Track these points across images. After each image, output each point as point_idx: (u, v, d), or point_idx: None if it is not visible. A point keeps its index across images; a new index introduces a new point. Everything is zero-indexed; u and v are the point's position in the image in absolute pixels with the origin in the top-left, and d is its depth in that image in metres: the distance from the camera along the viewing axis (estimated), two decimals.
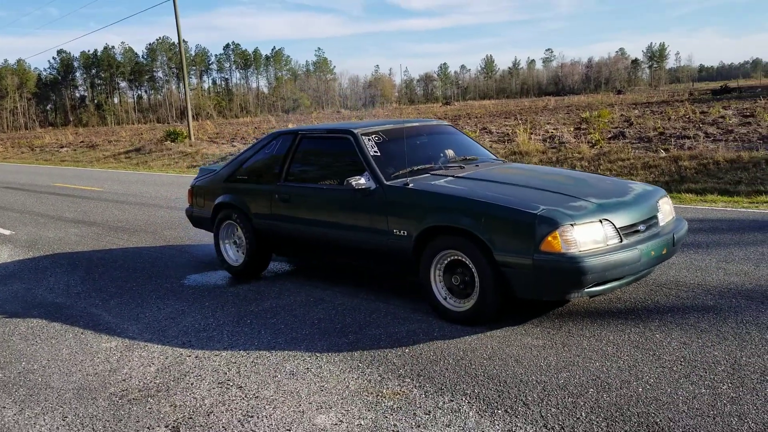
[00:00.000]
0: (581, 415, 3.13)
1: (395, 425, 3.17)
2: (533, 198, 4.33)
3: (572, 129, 19.37)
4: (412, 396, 3.46)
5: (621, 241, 4.12)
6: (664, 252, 4.37)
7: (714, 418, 3.02)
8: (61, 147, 35.30)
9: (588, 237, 4.00)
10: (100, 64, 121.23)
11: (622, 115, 23.93)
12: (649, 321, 4.29)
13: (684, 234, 4.78)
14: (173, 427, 3.31)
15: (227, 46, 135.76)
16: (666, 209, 4.74)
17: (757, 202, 8.55)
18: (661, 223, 4.56)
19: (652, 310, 4.51)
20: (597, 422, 3.05)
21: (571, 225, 3.96)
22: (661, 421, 3.02)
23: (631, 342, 3.96)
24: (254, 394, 3.61)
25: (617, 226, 4.14)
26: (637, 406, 3.17)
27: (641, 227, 4.33)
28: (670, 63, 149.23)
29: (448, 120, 30.82)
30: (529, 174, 5.43)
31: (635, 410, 3.13)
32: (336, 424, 3.22)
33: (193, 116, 28.45)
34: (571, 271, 3.88)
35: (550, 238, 3.93)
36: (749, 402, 3.14)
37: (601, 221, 4.09)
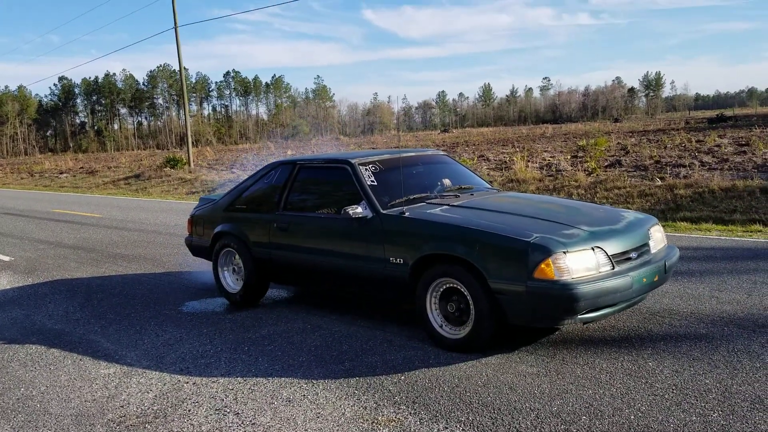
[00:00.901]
0: None
1: None
2: (527, 226, 4.41)
3: (569, 157, 19.54)
4: (407, 423, 3.50)
5: (613, 269, 4.19)
6: (655, 279, 4.44)
7: None
8: (61, 173, 35.46)
9: (580, 264, 4.07)
10: (101, 90, 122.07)
11: (618, 143, 24.15)
12: (642, 349, 4.34)
13: (675, 261, 4.85)
14: None
15: (227, 73, 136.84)
16: (658, 237, 4.82)
17: (751, 231, 8.63)
18: (653, 251, 4.64)
19: (645, 338, 4.56)
20: None
21: (564, 252, 4.03)
22: None
23: (624, 370, 4.01)
24: (251, 421, 3.64)
25: (609, 254, 4.22)
26: None
27: (633, 255, 4.40)
28: (667, 91, 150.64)
29: (447, 147, 31.05)
30: (523, 202, 5.53)
31: None
32: None
33: (192, 143, 28.69)
34: (564, 298, 3.94)
35: (543, 266, 4.00)
36: (739, 430, 3.18)
37: (593, 249, 4.17)
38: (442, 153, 6.45)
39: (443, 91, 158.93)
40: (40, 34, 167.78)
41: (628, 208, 8.69)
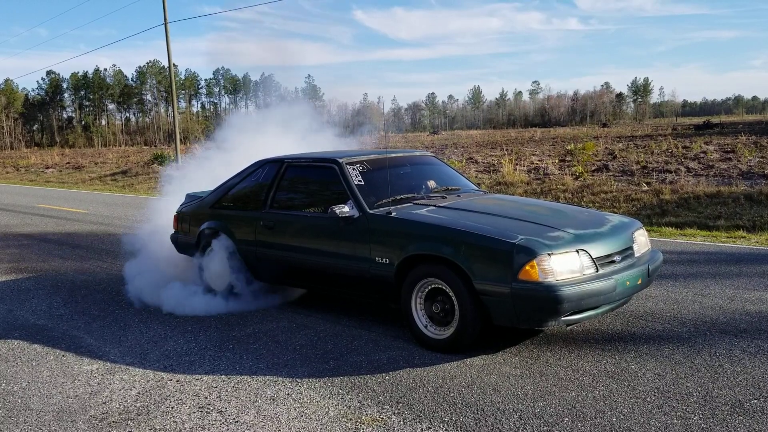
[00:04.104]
0: None
1: None
2: (512, 228, 4.43)
3: (557, 161, 19.64)
4: (390, 423, 3.50)
5: (597, 271, 4.23)
6: (639, 282, 4.48)
7: None
8: (47, 168, 35.18)
9: (565, 266, 4.10)
10: (89, 85, 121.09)
11: (606, 148, 24.30)
12: (625, 352, 4.37)
13: (659, 265, 4.89)
14: None
15: (217, 70, 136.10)
16: (641, 241, 4.86)
17: (735, 237, 8.71)
18: (637, 254, 4.68)
19: (628, 341, 4.59)
20: None
21: (549, 255, 4.06)
22: None
23: (606, 372, 4.04)
24: (234, 419, 3.63)
25: (593, 257, 4.25)
26: None
27: (617, 258, 4.44)
28: (655, 97, 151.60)
29: (435, 149, 31.08)
30: (509, 204, 5.56)
31: None
32: None
33: (180, 140, 28.55)
34: (548, 300, 3.97)
35: (527, 267, 4.02)
36: None
37: (577, 251, 4.20)
38: (429, 154, 6.47)
39: (433, 93, 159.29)
40: (28, 28, 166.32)
41: (614, 213, 8.75)
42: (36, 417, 3.79)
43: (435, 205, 5.09)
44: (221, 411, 3.74)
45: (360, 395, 3.87)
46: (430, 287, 4.55)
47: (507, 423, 3.43)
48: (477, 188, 6.10)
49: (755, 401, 3.55)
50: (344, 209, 4.94)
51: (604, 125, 78.80)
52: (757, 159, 16.46)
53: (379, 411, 3.65)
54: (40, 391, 4.17)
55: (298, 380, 4.15)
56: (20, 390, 4.21)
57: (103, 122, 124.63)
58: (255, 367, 4.42)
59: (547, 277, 4.03)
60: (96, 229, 11.62)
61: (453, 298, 4.38)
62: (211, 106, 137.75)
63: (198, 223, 6.32)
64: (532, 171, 16.94)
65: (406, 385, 3.98)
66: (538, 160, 20.24)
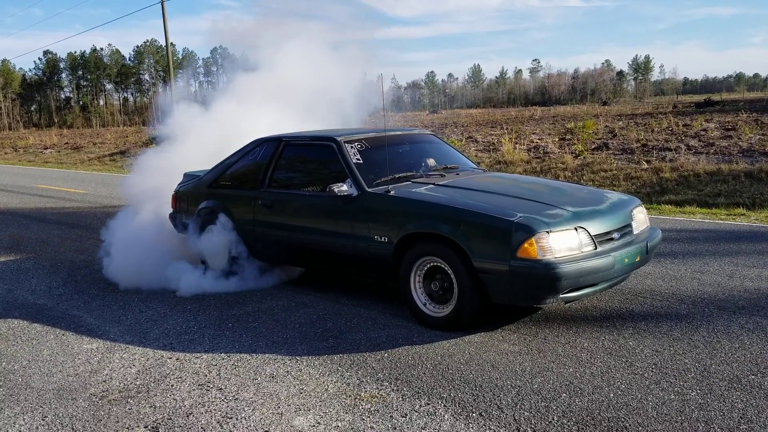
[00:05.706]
0: (553, 418, 3.21)
1: (372, 427, 3.23)
2: (511, 206, 4.42)
3: (557, 139, 19.55)
4: (389, 399, 3.52)
5: (595, 249, 4.22)
6: (637, 260, 4.48)
7: (681, 424, 3.11)
8: (45, 148, 35.07)
9: (563, 244, 4.09)
10: (86, 65, 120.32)
11: (606, 126, 24.18)
12: (623, 329, 4.39)
13: (658, 242, 4.89)
14: (152, 427, 3.35)
15: (215, 49, 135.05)
16: (640, 218, 4.85)
17: (734, 215, 8.71)
18: (636, 232, 4.67)
19: (626, 317, 4.60)
20: (568, 426, 3.14)
21: (547, 232, 4.05)
22: (630, 425, 3.11)
23: (604, 349, 4.05)
24: (234, 396, 3.65)
25: (592, 234, 4.24)
26: (608, 411, 3.25)
27: (615, 235, 4.43)
28: (655, 75, 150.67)
29: (435, 128, 30.97)
30: (508, 183, 5.54)
31: (606, 415, 3.22)
32: (314, 425, 3.28)
33: None
34: (546, 277, 3.97)
35: (526, 245, 4.02)
36: (716, 408, 3.24)
37: (576, 229, 4.19)
38: (428, 132, 6.44)
39: (432, 72, 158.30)
40: (22, 8, 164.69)
41: (614, 190, 8.74)
42: (36, 395, 3.81)
43: (434, 184, 5.07)
44: (221, 389, 3.76)
45: (359, 372, 3.89)
46: (428, 265, 4.55)
47: (505, 399, 3.44)
48: (476, 167, 6.09)
49: (753, 377, 3.57)
50: (343, 188, 4.92)
51: (605, 103, 78.35)
52: (758, 136, 16.39)
53: (378, 388, 3.67)
54: (41, 370, 4.19)
55: (298, 358, 4.17)
56: (20, 369, 4.23)
57: (101, 102, 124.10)
58: (254, 345, 4.43)
59: (545, 254, 4.02)
60: (95, 209, 11.61)
61: (451, 276, 4.38)
62: (210, 86, 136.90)
63: (196, 202, 6.31)
64: (532, 150, 16.88)
65: (404, 362, 4.00)
66: (538, 139, 20.15)
